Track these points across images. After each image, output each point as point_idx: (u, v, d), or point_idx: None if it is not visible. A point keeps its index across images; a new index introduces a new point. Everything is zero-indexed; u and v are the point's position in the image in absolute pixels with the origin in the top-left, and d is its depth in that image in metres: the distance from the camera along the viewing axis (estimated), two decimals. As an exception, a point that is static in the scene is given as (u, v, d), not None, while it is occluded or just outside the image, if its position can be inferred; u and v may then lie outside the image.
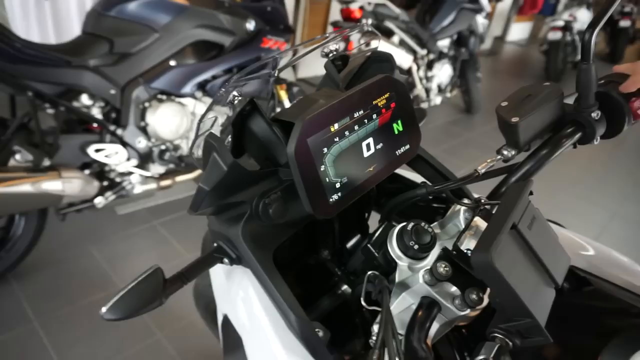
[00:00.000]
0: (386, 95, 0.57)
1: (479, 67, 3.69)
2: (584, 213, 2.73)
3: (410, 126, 0.61)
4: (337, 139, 0.53)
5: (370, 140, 0.56)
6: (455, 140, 3.42)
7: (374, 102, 0.56)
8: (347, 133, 0.54)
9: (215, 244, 0.59)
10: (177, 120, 1.91)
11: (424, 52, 3.25)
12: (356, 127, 0.55)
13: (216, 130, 0.55)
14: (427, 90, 3.42)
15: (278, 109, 2.26)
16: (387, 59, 0.65)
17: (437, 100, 3.53)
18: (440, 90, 3.52)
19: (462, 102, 3.96)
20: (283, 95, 2.22)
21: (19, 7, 2.64)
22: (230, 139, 0.58)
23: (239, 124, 0.57)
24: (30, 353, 1.48)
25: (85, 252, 1.92)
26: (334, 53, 0.65)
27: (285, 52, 0.67)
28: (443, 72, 3.44)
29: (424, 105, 3.46)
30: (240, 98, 0.55)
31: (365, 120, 0.55)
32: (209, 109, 0.56)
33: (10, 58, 1.52)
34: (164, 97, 1.90)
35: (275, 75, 0.63)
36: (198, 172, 2.13)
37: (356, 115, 0.54)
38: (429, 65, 3.38)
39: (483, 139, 3.48)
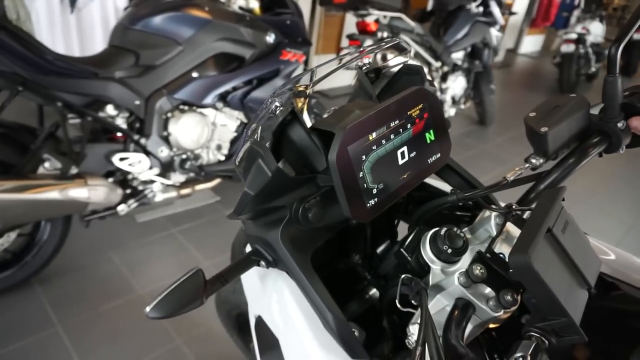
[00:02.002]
0: (420, 106, 0.60)
1: (493, 79, 3.71)
2: (600, 225, 2.70)
3: (441, 135, 0.64)
4: (374, 147, 0.55)
5: (405, 148, 0.59)
6: (469, 152, 3.43)
7: (408, 113, 0.59)
8: (383, 142, 0.56)
9: (252, 248, 0.61)
10: (198, 130, 1.96)
11: (438, 64, 3.28)
12: (392, 136, 0.57)
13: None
14: (441, 102, 3.44)
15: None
16: (418, 71, 0.68)
17: (451, 111, 3.54)
18: (454, 102, 3.54)
19: (476, 113, 3.97)
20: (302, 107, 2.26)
21: (46, 19, 2.74)
22: (269, 147, 0.61)
23: (279, 132, 0.60)
24: (53, 357, 1.51)
25: (106, 259, 1.96)
26: (368, 66, 0.68)
27: (320, 67, 0.70)
28: (457, 84, 3.47)
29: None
30: (282, 108, 0.58)
31: (400, 130, 0.58)
32: (253, 119, 0.59)
33: (41, 70, 1.58)
34: (186, 107, 1.96)
35: (311, 87, 0.66)
36: (217, 181, 2.17)
37: (392, 124, 0.57)
38: (443, 78, 3.41)
39: (497, 150, 3.48)
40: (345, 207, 0.53)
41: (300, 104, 0.74)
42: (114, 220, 2.13)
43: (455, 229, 0.56)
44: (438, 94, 3.37)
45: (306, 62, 3.78)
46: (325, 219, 0.58)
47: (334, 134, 0.53)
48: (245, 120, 2.12)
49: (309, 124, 0.60)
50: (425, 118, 0.61)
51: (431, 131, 0.62)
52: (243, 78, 2.01)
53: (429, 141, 0.62)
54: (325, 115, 0.67)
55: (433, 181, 0.76)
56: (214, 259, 1.97)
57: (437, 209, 0.66)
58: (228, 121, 2.07)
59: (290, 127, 0.60)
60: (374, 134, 0.55)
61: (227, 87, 1.97)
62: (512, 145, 3.62)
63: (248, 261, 0.59)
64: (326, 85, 4.12)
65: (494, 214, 0.59)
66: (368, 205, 0.55)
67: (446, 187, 0.74)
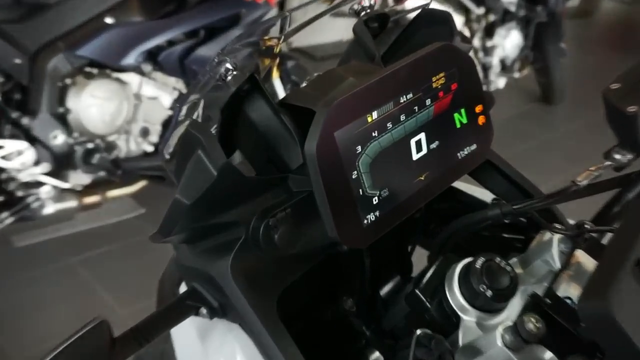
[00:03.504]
0: (445, 73, 0.61)
1: (564, 34, 3.77)
2: None
3: (478, 117, 0.65)
4: (375, 134, 0.56)
5: (422, 136, 0.60)
6: (527, 144, 3.47)
7: (428, 82, 0.60)
8: (389, 125, 0.57)
9: (188, 287, 0.61)
10: (113, 105, 1.96)
11: (480, 10, 3.32)
12: (402, 117, 0.58)
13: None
14: (486, 68, 3.49)
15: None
16: (445, 19, 0.69)
17: (499, 82, 3.59)
18: (505, 67, 3.59)
19: (537, 86, 4.03)
20: (274, 74, 2.27)
21: None
22: (216, 132, 0.61)
23: (231, 110, 0.60)
24: None
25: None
26: (368, 10, 0.69)
27: (296, 10, 0.70)
28: (509, 42, 3.52)
29: (481, 89, 3.52)
30: (236, 73, 0.58)
31: (415, 108, 0.59)
32: (192, 90, 0.59)
33: None
34: (95, 70, 1.95)
35: (281, 41, 0.66)
36: (141, 184, 2.16)
37: (402, 100, 0.58)
38: (488, 31, 3.45)
39: (569, 141, 3.54)
40: (331, 225, 0.54)
41: (266, 66, 0.74)
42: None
43: (498, 259, 0.56)
44: (478, 55, 3.41)
45: (281, 5, 3.79)
46: (299, 243, 0.59)
47: (314, 113, 0.53)
48: (185, 91, 2.12)
49: (280, 95, 0.61)
50: (454, 90, 0.62)
51: (462, 111, 0.63)
52: (184, 27, 2.02)
53: (459, 125, 0.63)
54: (303, 85, 0.67)
55: (466, 186, 0.77)
56: (133, 304, 1.95)
57: (471, 229, 0.66)
58: (160, 92, 2.07)
59: (249, 102, 0.60)
60: (375, 114, 0.56)
61: (159, 40, 1.98)
62: (592, 134, 3.64)
63: (182, 308, 0.59)
64: (310, 40, 4.14)
65: (557, 237, 0.59)
66: (365, 222, 0.56)
67: (486, 196, 0.75)
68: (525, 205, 0.63)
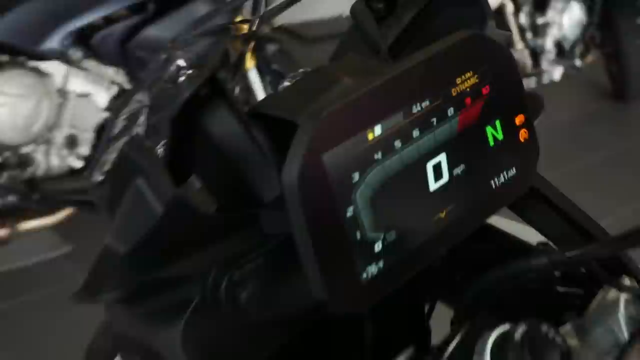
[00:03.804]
0: (474, 73, 0.62)
1: (642, 8, 3.81)
2: None
3: (517, 132, 0.65)
4: (378, 156, 0.56)
5: (443, 158, 0.60)
6: (591, 157, 3.49)
7: (450, 86, 0.60)
8: (397, 144, 0.57)
9: None
10: (28, 105, 1.97)
11: (528, -24, 3.36)
12: (416, 133, 0.58)
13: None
14: (536, 54, 3.51)
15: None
16: None
17: (555, 73, 3.62)
18: (563, 52, 3.61)
19: (607, 76, 4.05)
20: (248, 62, 2.28)
21: None
22: (164, 151, 0.61)
23: (185, 122, 0.60)
24: None
25: None
26: None
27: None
28: (568, 18, 3.55)
29: (529, 82, 3.53)
30: (190, 72, 0.58)
31: (434, 120, 0.59)
32: (131, 93, 0.60)
33: None
34: (5, 57, 1.97)
35: (255, 25, 0.67)
36: (65, 213, 2.15)
37: (416, 109, 0.58)
38: (540, 4, 3.48)
39: (650, 154, 3.55)
40: (317, 282, 0.53)
41: (237, 52, 0.74)
42: None
43: (545, 327, 0.57)
44: (526, 36, 3.42)
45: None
46: (275, 305, 0.59)
47: (296, 127, 0.53)
48: (127, 86, 2.13)
49: (259, 93, 0.61)
50: (485, 96, 0.63)
51: (497, 123, 0.64)
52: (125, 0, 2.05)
53: (492, 143, 0.64)
54: (282, 87, 0.67)
55: (504, 223, 0.78)
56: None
57: (509, 284, 0.66)
58: (93, 88, 2.09)
59: (208, 112, 0.60)
60: (379, 129, 0.56)
61: (92, 17, 2.00)
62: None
63: None
64: (300, 15, 4.15)
65: (625, 296, 0.60)
66: (365, 276, 0.56)
67: (531, 236, 0.76)
68: (583, 252, 0.63)
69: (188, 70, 0.59)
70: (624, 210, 2.96)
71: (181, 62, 0.59)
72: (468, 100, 0.62)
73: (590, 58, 3.77)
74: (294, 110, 0.56)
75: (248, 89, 2.57)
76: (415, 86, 0.58)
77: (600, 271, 0.64)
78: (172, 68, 0.59)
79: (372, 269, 0.56)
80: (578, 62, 3.71)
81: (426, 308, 0.80)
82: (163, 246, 0.55)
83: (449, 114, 0.60)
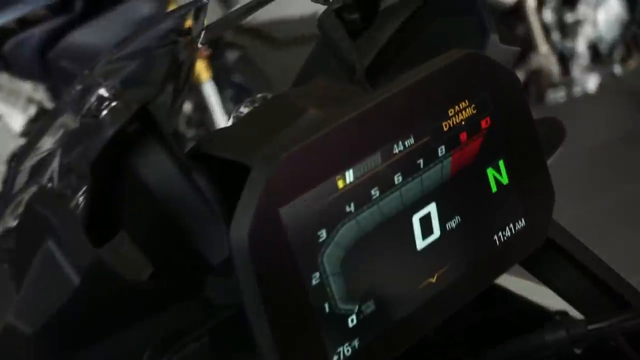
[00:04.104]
0: (470, 102, 0.62)
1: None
2: None
3: (527, 175, 0.66)
4: (350, 208, 0.56)
5: (432, 209, 0.61)
6: (636, 186, 3.49)
7: (441, 119, 0.61)
8: (374, 193, 0.57)
9: None
10: None
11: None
12: (398, 179, 0.59)
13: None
14: (565, 59, 3.53)
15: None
16: (472, 1, 0.71)
17: (588, 82, 3.64)
18: (598, 57, 3.63)
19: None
20: (203, 74, 2.28)
21: None
22: (82, 206, 0.61)
23: (109, 166, 0.60)
24: None
25: None
26: None
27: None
28: (604, 14, 3.57)
29: (557, 95, 3.55)
30: (115, 105, 0.59)
31: (420, 162, 0.60)
32: (41, 131, 0.60)
33: None
34: None
35: (200, 38, 0.68)
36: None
37: (397, 149, 0.58)
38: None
39: None
40: None
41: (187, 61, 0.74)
42: None
43: None
44: (551, 37, 3.44)
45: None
46: None
47: (248, 171, 0.54)
48: (48, 105, 2.12)
49: (216, 115, 0.61)
50: (485, 131, 0.63)
51: (500, 164, 0.64)
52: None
53: (495, 188, 0.64)
54: (237, 114, 0.68)
55: (516, 282, 0.78)
56: None
57: None
58: (4, 107, 2.07)
59: (139, 153, 0.61)
60: (350, 174, 0.56)
61: (2, 19, 2.00)
62: None
63: None
64: (271, 14, 4.15)
65: None
66: (336, 359, 0.56)
67: (549, 298, 0.76)
68: (608, 323, 0.64)
69: (112, 102, 0.59)
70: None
71: (103, 92, 0.59)
72: (463, 136, 0.62)
73: (632, 63, 3.78)
74: (246, 151, 0.57)
75: (202, 108, 2.57)
76: (396, 120, 0.59)
77: (627, 348, 0.64)
78: (92, 99, 0.59)
79: (346, 350, 0.56)
80: (618, 69, 3.73)
81: None
82: (81, 324, 0.54)
83: (440, 154, 0.61)
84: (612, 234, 3.06)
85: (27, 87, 2.15)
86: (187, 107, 2.72)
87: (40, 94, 2.17)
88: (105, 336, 0.56)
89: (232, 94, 2.55)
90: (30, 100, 2.17)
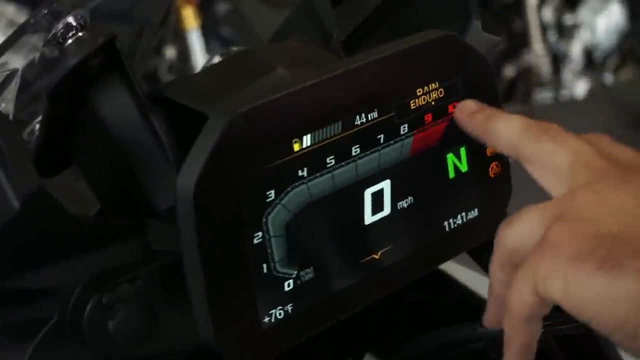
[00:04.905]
0: (440, 84, 0.62)
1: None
2: None
3: (488, 164, 0.66)
4: (303, 173, 0.56)
5: (386, 185, 0.61)
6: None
7: (408, 96, 0.61)
8: (330, 161, 0.57)
9: None
10: None
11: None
12: (355, 150, 0.59)
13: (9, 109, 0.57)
14: (558, 61, 3.53)
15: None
16: None
17: (577, 87, 3.64)
18: (592, 63, 3.62)
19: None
20: (190, 21, 2.27)
21: None
22: (37, 134, 0.61)
23: (68, 97, 0.60)
24: None
25: None
26: None
27: None
28: (604, 20, 3.57)
29: (544, 95, 3.56)
30: (82, 35, 0.58)
31: (381, 137, 0.60)
32: (4, 46, 0.59)
33: None
34: None
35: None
36: None
37: (359, 121, 0.58)
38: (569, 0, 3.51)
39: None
40: (205, 323, 0.54)
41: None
42: None
43: None
44: (547, 36, 3.45)
45: None
46: (154, 340, 0.59)
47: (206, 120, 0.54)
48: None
49: (198, 65, 0.60)
50: (451, 115, 0.63)
51: (462, 150, 0.64)
52: None
53: (453, 174, 0.64)
54: (210, 63, 0.68)
55: (461, 270, 0.80)
56: None
57: (458, 350, 0.68)
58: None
59: (100, 88, 0.60)
60: (308, 139, 0.56)
61: None
62: None
63: None
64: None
65: None
66: (267, 321, 0.56)
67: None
68: (552, 324, 0.64)
69: (79, 31, 0.58)
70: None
71: (71, 20, 0.58)
72: (428, 118, 0.62)
73: (625, 74, 3.79)
74: (206, 101, 0.57)
75: (186, 56, 2.56)
76: (363, 91, 0.58)
77: (557, 352, 0.65)
78: (59, 26, 0.58)
79: (278, 313, 0.56)
80: (609, 78, 3.73)
81: None
82: (16, 250, 0.54)
83: (402, 132, 0.61)
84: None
85: (10, 9, 2.13)
86: (171, 53, 2.74)
87: (23, 18, 2.15)
88: (38, 266, 0.56)
89: (217, 47, 2.54)
90: (12, 24, 2.15)
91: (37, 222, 0.53)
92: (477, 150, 0.65)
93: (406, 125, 0.61)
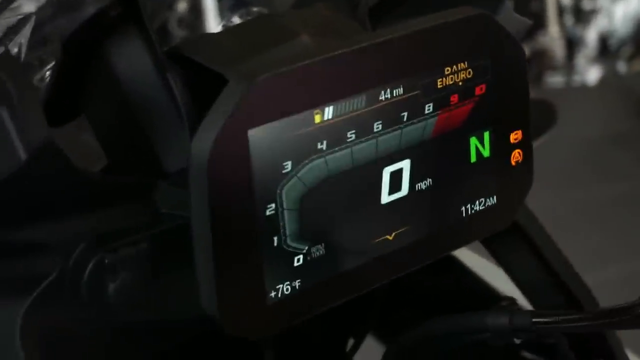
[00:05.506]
0: (469, 65, 0.61)
1: None
2: None
3: (510, 151, 0.65)
4: (322, 146, 0.55)
5: (406, 165, 0.60)
6: (612, 187, 3.52)
7: (436, 75, 0.60)
8: (351, 136, 0.56)
9: None
10: None
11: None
12: (378, 127, 0.58)
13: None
14: (572, 45, 3.52)
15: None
16: None
17: (590, 74, 3.65)
18: (606, 50, 3.63)
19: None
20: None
21: None
22: (49, 79, 0.60)
23: (83, 46, 0.59)
24: None
25: None
26: None
27: None
28: (622, 9, 3.56)
29: (556, 79, 3.56)
30: None
31: (405, 115, 0.59)
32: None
33: None
34: None
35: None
36: None
37: (384, 97, 0.57)
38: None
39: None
40: (209, 293, 0.53)
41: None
42: None
43: None
44: (564, 20, 3.44)
45: None
46: (153, 305, 0.59)
47: (226, 83, 0.53)
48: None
49: (209, 22, 0.60)
50: (478, 98, 0.62)
51: (486, 135, 0.64)
52: None
53: (474, 159, 0.64)
54: (227, 23, 0.67)
55: (472, 256, 0.79)
56: None
57: (456, 342, 0.68)
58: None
59: (116, 40, 0.60)
60: (330, 111, 0.55)
61: None
62: None
63: None
64: None
65: None
66: (273, 295, 0.55)
67: (502, 282, 0.77)
68: (554, 320, 0.64)
69: None
70: (633, 263, 3.04)
71: None
72: (454, 98, 0.61)
73: (638, 64, 3.79)
74: (227, 62, 0.56)
75: (197, 11, 2.54)
76: (389, 66, 0.57)
77: (566, 349, 0.64)
78: None
79: (285, 288, 0.56)
80: (622, 66, 3.74)
81: (349, 345, 0.80)
82: (19, 202, 0.53)
83: (426, 111, 0.60)
84: (577, 229, 3.10)
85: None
86: (182, 6, 2.73)
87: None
88: (42, 219, 0.55)
89: (230, 4, 2.53)
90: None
91: (42, 175, 0.52)
92: (502, 136, 0.65)
93: (431, 104, 0.60)
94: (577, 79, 3.59)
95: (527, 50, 3.57)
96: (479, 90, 0.62)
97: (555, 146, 3.62)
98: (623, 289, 2.52)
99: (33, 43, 0.63)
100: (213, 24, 2.56)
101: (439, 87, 0.60)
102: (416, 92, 0.59)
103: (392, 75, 0.58)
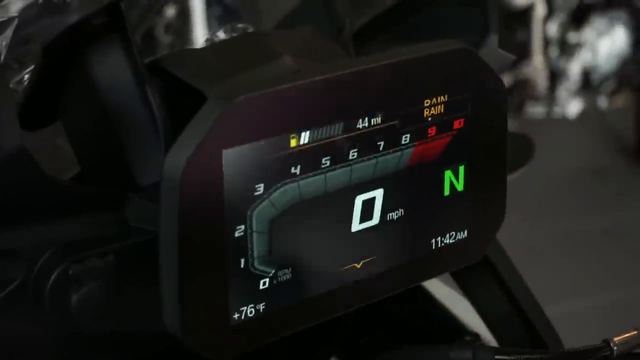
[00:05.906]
0: (449, 98, 0.61)
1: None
2: None
3: (484, 188, 0.66)
4: (296, 170, 0.55)
5: (378, 195, 0.60)
6: (591, 221, 3.53)
7: (415, 106, 0.60)
8: (325, 162, 0.56)
9: None
10: None
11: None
12: (353, 154, 0.57)
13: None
14: (555, 77, 3.54)
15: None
16: None
17: (571, 107, 3.66)
18: (589, 84, 3.64)
19: (633, 127, 4.08)
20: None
21: None
22: (27, 84, 0.59)
23: (64, 53, 0.59)
24: None
25: None
26: None
27: None
28: (607, 43, 3.58)
29: (537, 110, 3.57)
30: None
31: (381, 144, 0.59)
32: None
33: None
34: None
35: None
36: None
37: (361, 125, 0.57)
38: (578, 16, 3.51)
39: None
40: (173, 313, 0.53)
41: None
42: None
43: None
44: (548, 51, 3.46)
45: None
46: (116, 318, 0.58)
47: (204, 101, 0.53)
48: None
49: (196, 29, 0.60)
50: (456, 132, 0.62)
51: (461, 169, 0.64)
52: None
53: (448, 192, 0.63)
54: (212, 37, 0.67)
55: (438, 286, 0.79)
56: None
57: None
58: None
59: (98, 50, 0.59)
60: (306, 136, 0.55)
61: None
62: None
63: None
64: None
65: None
66: (237, 317, 0.55)
67: (468, 314, 0.77)
68: (517, 358, 0.63)
69: None
70: (606, 296, 3.03)
71: None
72: (432, 131, 0.61)
73: (619, 100, 3.81)
74: (207, 79, 0.56)
75: (185, 17, 2.54)
76: (369, 94, 0.57)
77: None
78: None
79: (249, 310, 0.55)
80: (603, 102, 3.75)
81: None
82: None
83: (403, 142, 0.59)
84: (552, 261, 3.12)
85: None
86: (170, 12, 2.74)
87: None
88: (10, 225, 0.55)
89: (219, 13, 2.53)
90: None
91: (12, 182, 0.52)
92: (477, 171, 0.65)
93: (409, 135, 0.60)
94: (557, 110, 3.61)
95: (510, 79, 3.65)
96: (458, 124, 0.62)
97: (533, 178, 3.63)
98: (595, 321, 2.55)
99: (14, 42, 0.63)
100: (200, 31, 2.56)
101: (417, 118, 0.60)
102: (394, 122, 0.59)
103: (372, 104, 0.58)
